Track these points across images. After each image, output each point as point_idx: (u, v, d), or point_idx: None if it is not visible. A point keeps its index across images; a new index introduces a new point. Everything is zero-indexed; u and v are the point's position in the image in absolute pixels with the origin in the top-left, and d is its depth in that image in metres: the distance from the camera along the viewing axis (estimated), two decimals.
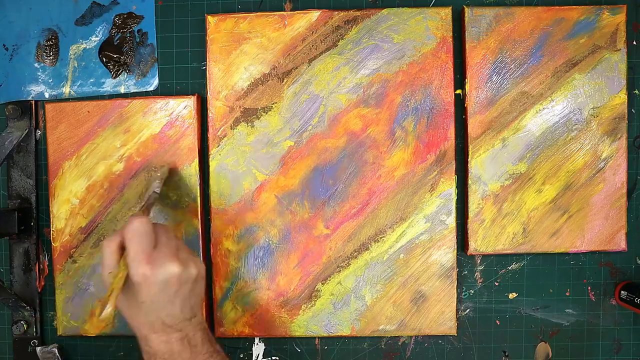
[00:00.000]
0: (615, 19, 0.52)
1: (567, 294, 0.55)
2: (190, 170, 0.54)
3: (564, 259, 0.55)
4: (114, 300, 0.40)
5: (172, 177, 0.54)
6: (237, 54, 0.54)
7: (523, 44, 0.53)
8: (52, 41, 0.57)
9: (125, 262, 0.41)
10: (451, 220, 0.53)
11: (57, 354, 0.56)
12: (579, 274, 0.56)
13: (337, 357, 0.56)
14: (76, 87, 0.57)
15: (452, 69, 0.53)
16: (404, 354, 0.56)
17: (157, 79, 0.57)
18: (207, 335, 0.44)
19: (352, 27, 0.53)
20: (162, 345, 0.42)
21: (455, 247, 0.53)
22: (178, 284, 0.42)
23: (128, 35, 0.56)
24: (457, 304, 0.54)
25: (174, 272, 0.41)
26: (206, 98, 0.54)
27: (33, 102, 0.57)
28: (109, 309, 0.39)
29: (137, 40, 0.56)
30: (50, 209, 0.55)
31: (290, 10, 0.55)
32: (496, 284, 0.56)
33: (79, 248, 0.55)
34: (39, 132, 0.58)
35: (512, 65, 0.53)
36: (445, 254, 0.53)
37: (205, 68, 0.55)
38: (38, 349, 0.57)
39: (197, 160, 0.54)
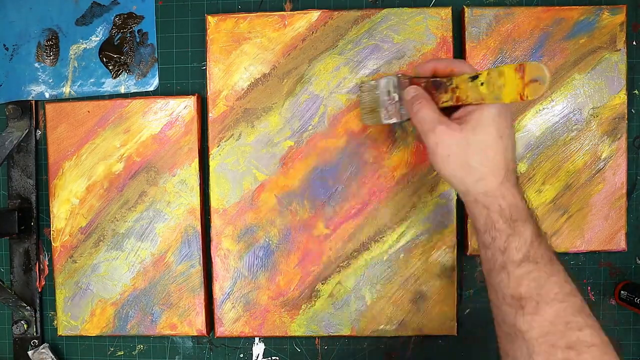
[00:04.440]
0: (615, 19, 0.52)
1: None
2: (190, 170, 0.54)
3: (563, 259, 0.55)
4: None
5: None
6: (237, 54, 0.54)
7: (523, 44, 0.53)
8: (52, 41, 0.57)
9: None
10: (451, 220, 0.53)
11: (50, 352, 0.56)
12: (579, 274, 0.56)
13: (337, 357, 0.56)
14: (76, 87, 0.57)
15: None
16: (404, 354, 0.56)
17: (157, 79, 0.57)
18: None
19: (352, 27, 0.53)
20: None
21: (455, 247, 0.53)
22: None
23: (128, 35, 0.56)
24: (457, 304, 0.54)
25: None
26: (206, 98, 0.54)
27: (33, 102, 0.57)
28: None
29: (137, 40, 0.56)
30: (50, 209, 0.55)
31: (290, 10, 0.55)
32: None
33: (79, 248, 0.55)
34: (39, 132, 0.58)
35: None
36: (445, 254, 0.53)
37: (206, 68, 0.55)
38: (30, 352, 0.57)
39: (197, 160, 0.54)
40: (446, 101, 0.39)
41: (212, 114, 0.54)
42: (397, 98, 0.44)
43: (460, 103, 0.38)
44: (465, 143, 0.36)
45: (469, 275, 0.56)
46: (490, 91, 0.35)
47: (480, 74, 0.36)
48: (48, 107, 0.55)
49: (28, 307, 0.56)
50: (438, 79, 0.40)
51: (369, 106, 0.47)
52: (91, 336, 0.57)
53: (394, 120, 0.45)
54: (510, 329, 0.34)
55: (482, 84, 0.36)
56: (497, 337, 0.38)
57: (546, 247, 0.36)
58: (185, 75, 0.57)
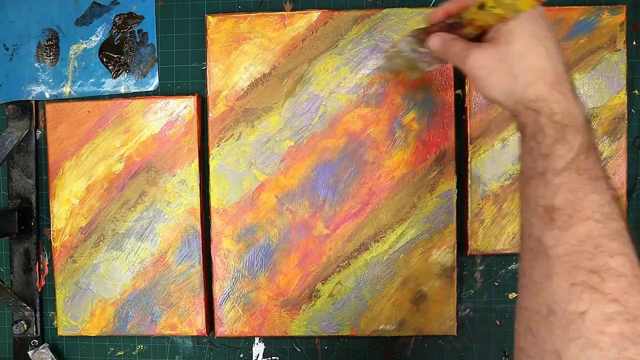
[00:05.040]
0: (615, 19, 0.52)
1: None
2: (190, 170, 0.54)
3: None
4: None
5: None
6: (237, 54, 0.54)
7: None
8: (52, 41, 0.57)
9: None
10: (451, 220, 0.53)
11: (50, 352, 0.56)
12: None
13: (337, 357, 0.56)
14: (76, 87, 0.57)
15: (452, 69, 0.53)
16: (404, 354, 0.56)
17: (157, 79, 0.57)
18: None
19: (352, 27, 0.53)
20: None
21: (455, 247, 0.53)
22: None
23: (128, 35, 0.56)
24: (457, 304, 0.54)
25: None
26: (206, 98, 0.54)
27: (33, 102, 0.57)
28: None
29: (138, 40, 0.56)
30: (50, 209, 0.55)
31: (290, 10, 0.55)
32: (496, 284, 0.56)
33: (79, 248, 0.55)
34: (39, 132, 0.58)
35: None
36: (445, 254, 0.53)
37: (206, 68, 0.55)
38: (30, 352, 0.57)
39: (197, 160, 0.54)
40: (469, 33, 0.38)
41: (212, 114, 0.54)
42: (423, 51, 0.43)
43: (484, 30, 0.37)
44: (502, 56, 0.35)
45: (469, 275, 0.56)
46: (507, 9, 0.34)
47: (485, 0, 0.35)
48: (48, 107, 0.55)
49: (28, 307, 0.56)
50: (452, 21, 0.39)
51: (406, 66, 0.48)
52: (91, 336, 0.57)
53: (436, 66, 0.45)
54: (535, 244, 0.31)
55: (493, 7, 0.34)
56: (518, 258, 0.35)
57: (595, 163, 0.32)
58: (185, 75, 0.57)
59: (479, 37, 0.38)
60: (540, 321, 0.29)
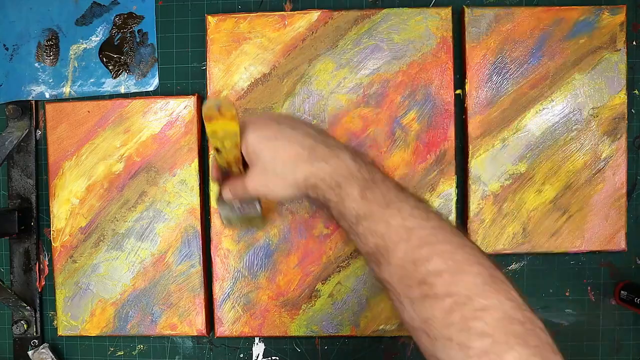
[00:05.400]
0: (615, 19, 0.52)
1: (567, 294, 0.55)
2: (190, 170, 0.54)
3: (563, 259, 0.55)
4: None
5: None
6: (237, 54, 0.54)
7: (523, 44, 0.53)
8: (52, 41, 0.57)
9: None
10: (451, 220, 0.53)
11: (50, 352, 0.56)
12: (579, 274, 0.55)
13: (337, 357, 0.56)
14: (76, 87, 0.57)
15: (452, 69, 0.53)
16: (404, 354, 0.56)
17: (157, 79, 0.57)
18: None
19: (352, 27, 0.53)
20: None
21: None
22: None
23: (128, 35, 0.56)
24: None
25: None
26: (206, 98, 0.54)
27: (33, 102, 0.57)
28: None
29: (138, 40, 0.56)
30: (50, 209, 0.55)
31: (290, 11, 0.55)
32: None
33: (79, 248, 0.55)
34: (39, 132, 0.58)
35: (512, 66, 0.53)
36: None
37: (206, 68, 0.55)
38: (30, 352, 0.57)
39: (197, 160, 0.54)
40: (239, 171, 0.41)
41: None
42: (238, 203, 0.45)
43: (237, 160, 0.40)
44: (262, 168, 0.38)
45: None
46: (230, 143, 0.37)
47: (214, 150, 0.38)
48: (48, 107, 0.55)
49: (28, 307, 0.56)
50: (222, 171, 0.42)
51: (243, 220, 0.47)
52: (91, 336, 0.57)
53: (258, 209, 0.46)
54: (382, 284, 0.35)
55: (219, 150, 0.38)
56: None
57: (381, 193, 0.35)
58: (185, 75, 0.57)
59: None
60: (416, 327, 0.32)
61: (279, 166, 0.38)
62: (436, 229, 0.33)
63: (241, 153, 0.39)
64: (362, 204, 0.34)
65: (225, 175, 0.42)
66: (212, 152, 0.40)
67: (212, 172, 0.44)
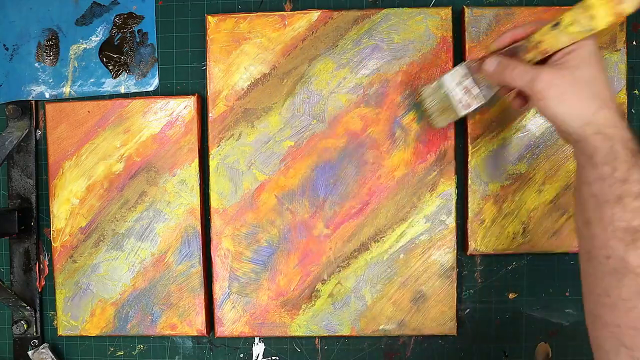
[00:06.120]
0: None
1: (567, 294, 0.55)
2: (190, 170, 0.54)
3: (564, 259, 0.55)
4: None
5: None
6: (237, 54, 0.54)
7: None
8: (52, 41, 0.57)
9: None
10: (451, 220, 0.53)
11: (50, 352, 0.56)
12: (579, 273, 0.55)
13: (337, 357, 0.56)
14: (76, 87, 0.57)
15: (451, 63, 0.53)
16: (404, 354, 0.56)
17: (157, 79, 0.57)
18: None
19: (352, 27, 0.53)
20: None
21: (455, 247, 0.53)
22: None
23: (128, 35, 0.56)
24: (457, 304, 0.54)
25: None
26: (206, 98, 0.54)
27: (33, 102, 0.57)
28: None
29: (138, 40, 0.56)
30: (50, 209, 0.55)
31: (290, 10, 0.55)
32: (496, 284, 0.56)
33: (79, 248, 0.55)
34: (39, 132, 0.58)
35: None
36: (445, 254, 0.53)
37: (206, 68, 0.55)
38: (30, 352, 0.57)
39: (197, 160, 0.54)
40: (532, 59, 0.39)
41: (212, 114, 0.54)
42: (471, 83, 0.43)
43: (547, 55, 0.38)
44: (572, 78, 0.36)
45: (469, 275, 0.56)
46: (581, 27, 0.35)
47: (561, 18, 0.36)
48: (48, 107, 0.55)
49: (28, 307, 0.56)
50: (514, 45, 0.40)
51: (438, 108, 0.47)
52: (91, 336, 0.57)
53: (473, 107, 0.44)
54: (619, 264, 0.33)
55: (570, 25, 0.36)
56: (589, 277, 0.37)
57: None
58: (185, 75, 0.57)
59: (539, 63, 0.39)
60: (636, 335, 0.32)
61: (589, 92, 0.36)
62: None
63: (558, 51, 0.37)
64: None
65: (507, 53, 0.39)
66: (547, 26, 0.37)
67: (506, 37, 0.41)
